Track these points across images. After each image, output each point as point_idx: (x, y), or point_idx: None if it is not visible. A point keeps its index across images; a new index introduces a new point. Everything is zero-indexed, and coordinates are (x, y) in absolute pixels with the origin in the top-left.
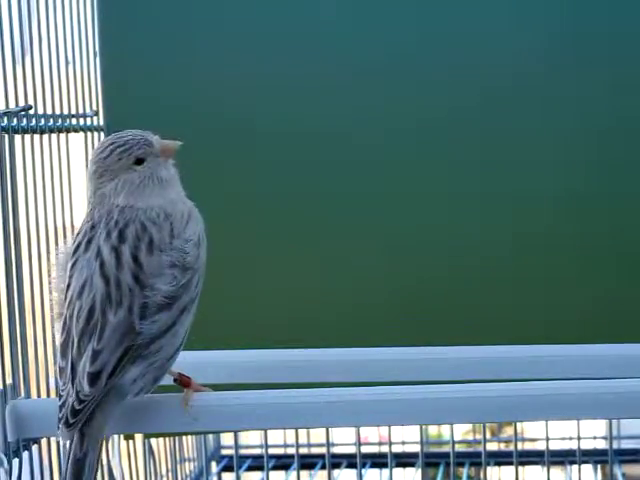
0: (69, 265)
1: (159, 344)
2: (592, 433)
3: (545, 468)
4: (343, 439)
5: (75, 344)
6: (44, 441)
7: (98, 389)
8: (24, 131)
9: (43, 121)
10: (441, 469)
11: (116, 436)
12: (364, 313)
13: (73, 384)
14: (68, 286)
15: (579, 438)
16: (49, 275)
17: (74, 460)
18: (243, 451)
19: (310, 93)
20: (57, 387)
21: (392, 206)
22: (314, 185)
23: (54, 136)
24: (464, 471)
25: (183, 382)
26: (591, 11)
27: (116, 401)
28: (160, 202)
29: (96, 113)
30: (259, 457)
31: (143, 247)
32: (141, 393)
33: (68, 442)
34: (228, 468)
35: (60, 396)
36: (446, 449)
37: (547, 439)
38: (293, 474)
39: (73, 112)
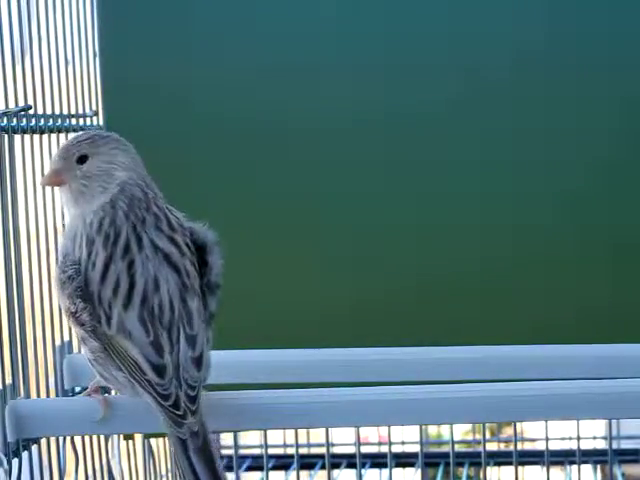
0: (124, 266)
1: (212, 327)
2: (592, 433)
3: (545, 468)
4: (343, 439)
5: (165, 337)
6: (44, 441)
7: (203, 372)
8: (24, 131)
9: (43, 121)
10: (441, 469)
11: (115, 436)
12: (364, 313)
13: (178, 376)
14: (132, 285)
15: (579, 438)
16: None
17: (197, 450)
18: (243, 451)
19: (311, 93)
20: (151, 385)
21: (392, 206)
22: (314, 184)
23: (54, 136)
24: (464, 471)
25: None
26: (591, 10)
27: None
28: None
29: (96, 113)
30: (259, 457)
31: (187, 233)
32: None
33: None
34: (228, 468)
35: (165, 395)
36: (446, 449)
37: (547, 439)
38: (293, 474)
39: (73, 112)
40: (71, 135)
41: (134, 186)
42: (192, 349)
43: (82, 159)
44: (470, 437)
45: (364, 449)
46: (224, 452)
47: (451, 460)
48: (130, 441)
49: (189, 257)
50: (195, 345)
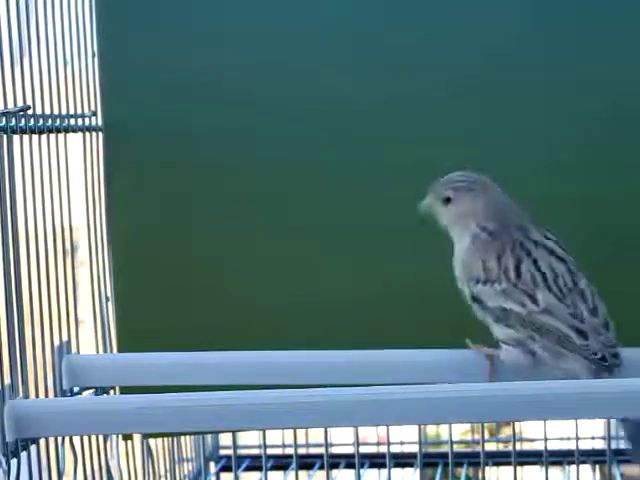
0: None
1: None
2: (590, 433)
3: (543, 468)
4: (342, 439)
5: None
6: (42, 441)
7: (611, 334)
8: (22, 131)
9: (42, 121)
10: (439, 469)
11: (114, 436)
12: (363, 313)
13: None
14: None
15: (577, 438)
16: None
17: None
18: (241, 451)
19: (311, 92)
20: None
21: (392, 206)
22: (314, 184)
23: (52, 136)
24: (462, 471)
25: None
26: (591, 9)
27: None
28: None
29: (94, 113)
30: (258, 457)
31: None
32: None
33: None
34: (226, 468)
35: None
36: (444, 449)
37: (545, 439)
38: (292, 474)
39: (71, 112)
40: (70, 135)
41: (483, 232)
42: (597, 317)
43: (447, 201)
44: (469, 437)
45: (363, 449)
46: (223, 452)
47: (450, 460)
48: (129, 441)
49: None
50: (598, 314)
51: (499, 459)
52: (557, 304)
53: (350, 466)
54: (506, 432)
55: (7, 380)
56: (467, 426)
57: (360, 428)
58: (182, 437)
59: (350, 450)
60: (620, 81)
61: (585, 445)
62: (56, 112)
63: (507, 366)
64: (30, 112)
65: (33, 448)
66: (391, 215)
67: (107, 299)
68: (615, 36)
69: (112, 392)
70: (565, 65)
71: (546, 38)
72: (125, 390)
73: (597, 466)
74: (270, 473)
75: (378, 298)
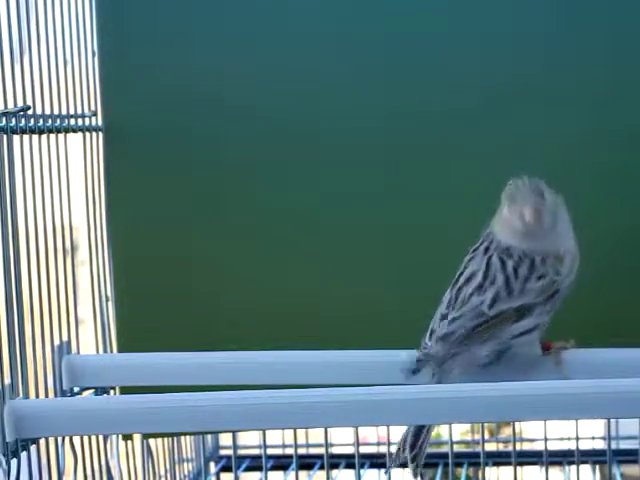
0: (467, 258)
1: (500, 328)
2: (590, 433)
3: (543, 468)
4: (342, 439)
5: (449, 316)
6: (42, 441)
7: (442, 348)
8: (23, 131)
9: (42, 121)
10: (439, 469)
11: (114, 436)
12: (363, 313)
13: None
14: (461, 273)
15: (577, 438)
16: None
17: None
18: (242, 451)
19: (311, 94)
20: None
21: (392, 206)
22: (314, 185)
23: (52, 136)
24: (462, 471)
25: (545, 347)
26: (591, 9)
27: (467, 364)
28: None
29: (94, 113)
30: (258, 457)
31: (524, 266)
32: (489, 365)
33: None
34: (227, 468)
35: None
36: (444, 449)
37: (545, 439)
38: (292, 474)
39: (72, 112)
40: (70, 135)
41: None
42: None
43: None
44: (469, 437)
45: (363, 449)
46: (223, 452)
47: (450, 460)
48: (129, 441)
49: (508, 275)
50: (449, 326)
51: (499, 459)
52: (443, 303)
53: (350, 466)
54: (506, 432)
55: (7, 380)
56: (467, 426)
57: (360, 428)
58: (182, 437)
59: (350, 450)
60: (622, 88)
61: (585, 445)
62: (56, 112)
63: None
64: (30, 112)
65: (33, 448)
66: (391, 215)
67: (107, 299)
68: (616, 37)
69: (112, 392)
70: (565, 71)
71: (546, 47)
72: (125, 390)
73: (597, 466)
74: (270, 473)
75: (378, 298)
